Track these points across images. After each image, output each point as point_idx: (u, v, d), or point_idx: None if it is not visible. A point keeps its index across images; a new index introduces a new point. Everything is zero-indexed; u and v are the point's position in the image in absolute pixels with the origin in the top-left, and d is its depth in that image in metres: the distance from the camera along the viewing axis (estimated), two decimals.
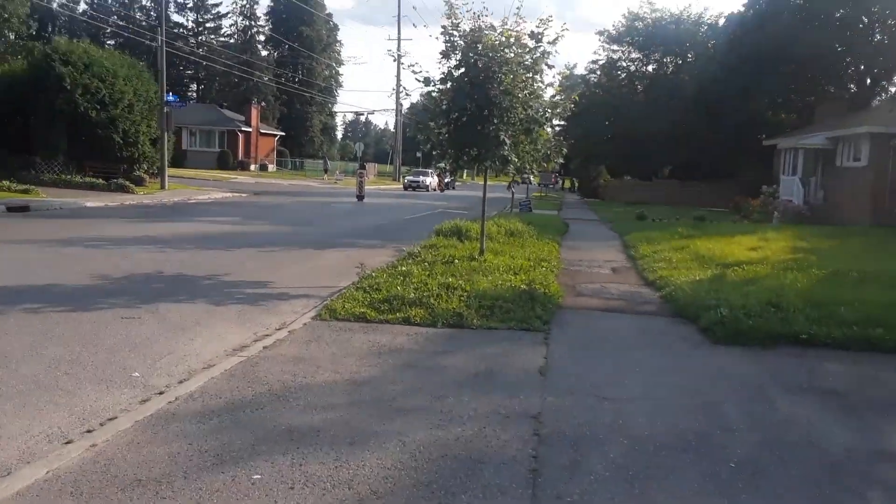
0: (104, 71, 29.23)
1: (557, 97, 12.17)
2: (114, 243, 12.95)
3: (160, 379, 5.50)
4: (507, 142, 10.98)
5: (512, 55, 10.90)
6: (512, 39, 10.92)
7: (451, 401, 5.17)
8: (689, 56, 48.28)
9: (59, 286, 8.79)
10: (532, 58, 11.16)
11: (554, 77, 12.32)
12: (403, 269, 10.34)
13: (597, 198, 52.89)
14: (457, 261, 11.36)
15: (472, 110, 10.82)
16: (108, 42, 78.93)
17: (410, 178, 55.58)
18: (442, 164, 12.11)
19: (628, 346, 7.18)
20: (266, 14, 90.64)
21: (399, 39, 69.70)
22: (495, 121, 10.87)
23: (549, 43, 11.18)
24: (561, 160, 12.27)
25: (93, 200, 22.36)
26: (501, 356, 6.54)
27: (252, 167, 63.34)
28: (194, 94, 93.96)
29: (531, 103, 11.31)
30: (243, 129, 63.32)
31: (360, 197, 32.53)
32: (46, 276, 9.37)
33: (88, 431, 4.35)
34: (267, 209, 25.32)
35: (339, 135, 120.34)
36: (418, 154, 58.87)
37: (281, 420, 4.61)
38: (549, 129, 12.06)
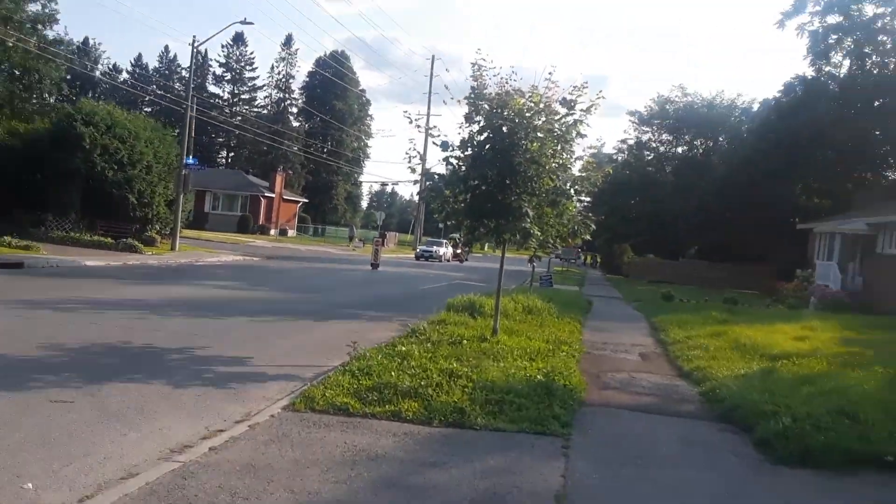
0: (125, 132, 28.93)
1: (586, 172, 11.09)
2: (92, 307, 11.80)
3: (56, 494, 4.20)
4: (530, 213, 9.83)
5: (540, 122, 9.89)
6: (542, 105, 9.93)
7: None
8: (721, 139, 47.84)
9: None
10: (563, 126, 10.15)
11: (584, 150, 11.31)
12: (403, 348, 9.02)
13: (620, 274, 51.52)
14: (465, 341, 10.02)
15: (493, 178, 9.78)
16: (146, 109, 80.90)
17: (423, 247, 52.19)
18: (456, 235, 10.94)
19: (669, 463, 5.77)
20: (301, 88, 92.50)
21: (428, 115, 69.95)
22: (518, 191, 9.80)
23: (582, 111, 10.18)
24: (588, 237, 11.08)
25: (94, 259, 21.47)
26: (508, 472, 5.16)
27: (272, 232, 63.07)
28: (223, 161, 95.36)
29: (559, 174, 10.23)
30: (266, 194, 63.36)
31: (375, 265, 31.45)
32: None
33: None
34: (275, 274, 24.27)
35: (365, 204, 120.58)
36: (440, 224, 58.02)
37: None
38: (576, 204, 10.94)
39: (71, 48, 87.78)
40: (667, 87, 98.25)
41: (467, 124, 9.91)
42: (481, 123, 9.79)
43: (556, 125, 10.09)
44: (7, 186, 28.21)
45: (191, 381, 7.24)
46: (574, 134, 10.08)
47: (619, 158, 52.11)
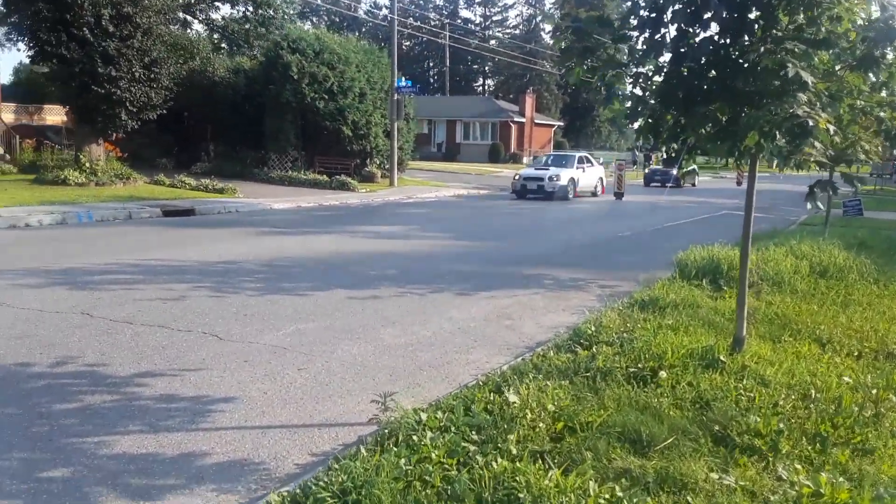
0: (334, 58, 26.42)
1: None
2: (147, 276, 8.47)
3: None
4: (810, 81, 4.22)
5: None
6: None
7: None
8: None
9: None
10: None
11: None
12: (513, 399, 4.17)
13: None
14: (665, 372, 4.83)
15: (716, 14, 4.35)
16: (406, 43, 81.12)
17: (526, 172, 26.45)
18: (657, 147, 5.49)
19: None
20: (553, 1, 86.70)
21: None
22: (777, 34, 4.31)
23: None
24: None
25: (290, 201, 19.15)
26: None
27: (525, 160, 59.09)
28: (481, 89, 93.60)
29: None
30: (516, 119, 59.31)
31: (619, 194, 25.99)
32: None
33: None
34: (475, 212, 19.94)
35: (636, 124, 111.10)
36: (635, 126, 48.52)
37: None
38: None
39: None
40: None
41: None
42: None
43: None
44: (230, 126, 27.53)
45: None
46: None
47: None
